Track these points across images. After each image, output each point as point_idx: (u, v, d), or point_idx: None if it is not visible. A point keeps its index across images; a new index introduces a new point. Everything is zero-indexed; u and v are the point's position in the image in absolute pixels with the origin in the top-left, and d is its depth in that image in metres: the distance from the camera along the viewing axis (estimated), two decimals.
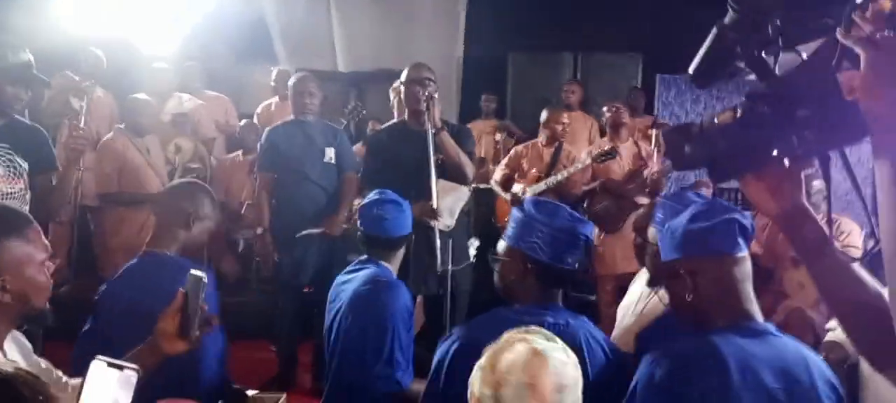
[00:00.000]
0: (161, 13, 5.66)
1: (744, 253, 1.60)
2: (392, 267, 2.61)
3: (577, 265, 1.93)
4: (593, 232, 2.04)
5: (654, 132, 5.61)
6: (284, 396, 2.82)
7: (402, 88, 3.38)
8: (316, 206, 3.89)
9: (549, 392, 1.35)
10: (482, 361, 1.43)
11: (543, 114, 4.91)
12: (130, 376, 1.27)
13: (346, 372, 2.44)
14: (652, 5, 6.49)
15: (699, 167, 1.47)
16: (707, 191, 4.30)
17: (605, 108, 4.96)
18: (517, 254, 1.95)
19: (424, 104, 3.13)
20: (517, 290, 1.97)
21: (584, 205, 5.15)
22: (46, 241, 1.59)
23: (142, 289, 2.07)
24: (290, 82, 4.21)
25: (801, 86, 1.04)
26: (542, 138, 4.87)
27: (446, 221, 3.25)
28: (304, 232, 3.80)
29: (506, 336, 1.46)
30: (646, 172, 4.68)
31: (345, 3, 7.16)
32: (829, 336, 2.58)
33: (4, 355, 1.52)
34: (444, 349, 1.93)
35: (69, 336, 2.12)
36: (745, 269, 1.60)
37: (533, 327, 1.48)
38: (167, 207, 2.32)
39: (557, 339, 1.45)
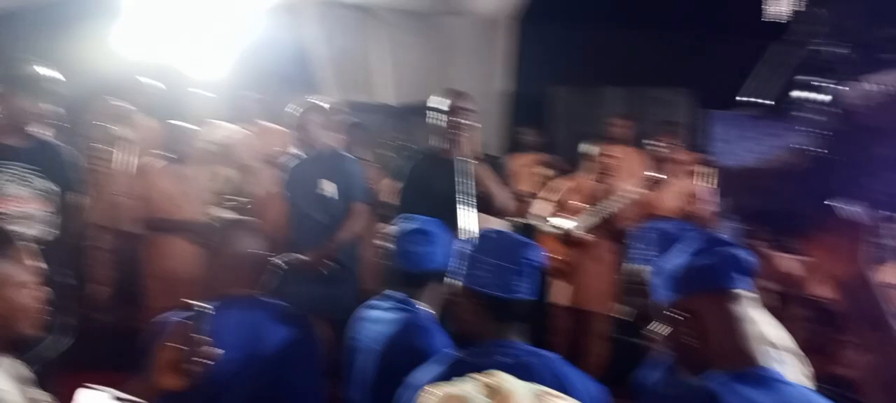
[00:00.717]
0: (209, 42, 5.75)
1: (743, 291, 1.52)
2: (425, 305, 2.39)
3: (527, 294, 1.81)
4: (542, 255, 1.89)
5: (703, 169, 5.43)
6: None
7: (438, 117, 3.30)
8: (311, 241, 3.78)
9: None
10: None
11: (591, 148, 4.79)
12: None
13: None
14: (702, 39, 6.34)
15: (759, 220, 1.36)
16: None
17: (652, 143, 4.81)
18: (467, 293, 1.84)
19: (461, 133, 3.04)
20: (474, 330, 1.85)
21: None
22: (35, 264, 1.52)
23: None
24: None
25: (881, 120, 0.88)
26: (588, 172, 4.74)
27: None
28: (284, 259, 3.74)
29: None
30: (696, 211, 4.50)
31: (388, 36, 7.18)
32: None
33: None
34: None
35: (113, 365, 2.09)
36: (745, 309, 1.51)
37: (496, 374, 1.28)
38: (243, 246, 2.26)
39: (501, 378, 1.24)
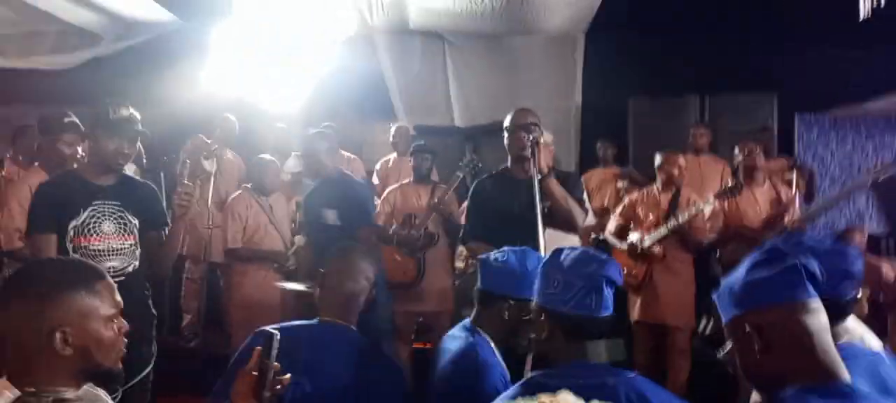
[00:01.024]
0: (284, 76, 5.94)
1: (816, 302, 1.41)
2: (488, 335, 2.26)
3: (603, 312, 1.74)
4: (619, 271, 1.79)
5: (793, 175, 5.17)
6: None
7: (506, 135, 3.26)
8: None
9: None
10: None
11: (658, 158, 4.63)
12: None
13: None
14: (785, 40, 6.05)
15: None
16: (860, 239, 3.84)
17: (736, 149, 4.62)
18: (540, 311, 1.79)
19: (529, 150, 2.99)
20: (547, 350, 1.79)
21: (717, 255, 4.78)
22: (118, 298, 1.56)
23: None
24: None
25: None
26: (657, 183, 4.59)
27: None
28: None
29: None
30: (786, 219, 4.29)
31: (460, 58, 7.22)
32: None
33: None
34: None
35: (199, 389, 2.15)
36: (820, 320, 1.40)
37: (561, 393, 1.25)
38: (350, 274, 2.30)
39: (564, 397, 1.22)
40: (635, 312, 4.41)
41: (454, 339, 2.34)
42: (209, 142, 5.49)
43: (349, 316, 2.26)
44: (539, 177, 2.96)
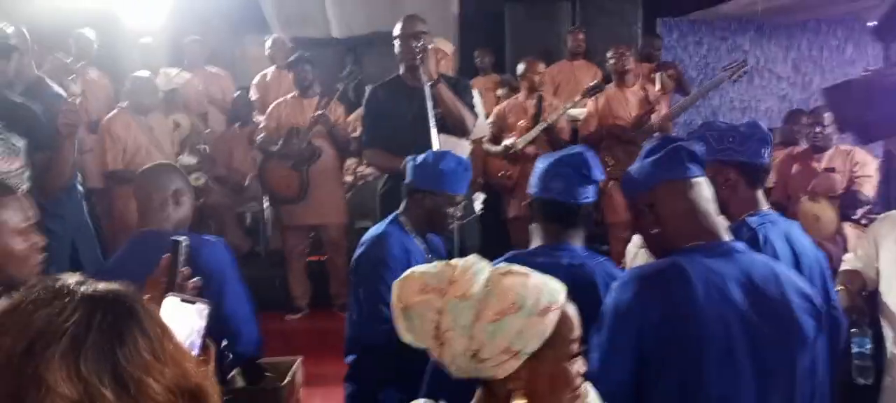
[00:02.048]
0: None
1: (698, 177, 1.64)
2: (411, 222, 2.51)
3: (572, 199, 1.91)
4: (596, 162, 1.98)
5: (657, 75, 5.53)
6: (299, 360, 2.80)
7: (396, 43, 3.29)
8: None
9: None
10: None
11: (520, 67, 4.97)
12: (202, 309, 1.32)
13: None
14: None
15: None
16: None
17: (609, 53, 4.88)
18: (532, 200, 1.98)
19: (419, 57, 3.04)
20: (534, 234, 1.99)
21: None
22: (31, 212, 1.55)
23: (145, 264, 2.06)
24: None
25: None
26: (522, 91, 4.87)
27: None
28: None
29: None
30: (653, 117, 4.61)
31: None
32: (844, 266, 2.53)
33: None
34: None
35: None
36: (702, 192, 1.63)
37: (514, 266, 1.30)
38: (151, 188, 2.36)
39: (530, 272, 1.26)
40: (511, 210, 4.69)
41: (375, 228, 2.51)
42: (69, 61, 5.10)
43: (164, 223, 2.33)
44: (430, 83, 3.02)
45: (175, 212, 2.34)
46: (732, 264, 1.55)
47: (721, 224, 1.65)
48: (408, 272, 1.25)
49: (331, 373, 3.13)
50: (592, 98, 4.74)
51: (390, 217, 2.47)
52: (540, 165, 1.97)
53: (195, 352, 1.28)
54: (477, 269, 1.20)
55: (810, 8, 6.50)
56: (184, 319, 1.32)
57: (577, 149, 2.02)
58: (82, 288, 0.84)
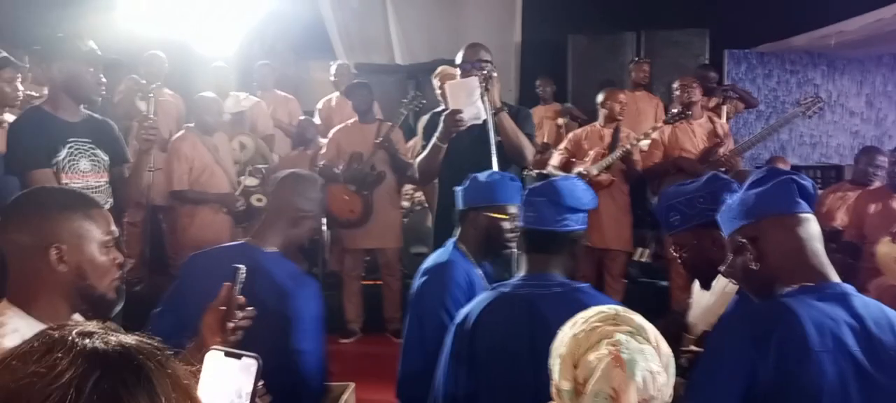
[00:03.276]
0: (221, 14, 5.76)
1: (807, 213, 1.54)
2: (468, 248, 2.43)
3: (547, 226, 1.89)
4: (576, 190, 1.95)
5: (725, 108, 5.40)
6: (352, 386, 2.80)
7: (458, 70, 3.29)
8: None
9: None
10: (563, 348, 1.31)
11: (600, 95, 4.85)
12: (250, 364, 1.18)
13: None
14: None
15: None
16: (783, 166, 4.09)
17: (675, 85, 4.78)
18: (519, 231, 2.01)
19: (483, 85, 3.03)
20: (519, 264, 2.00)
21: (652, 188, 5.01)
22: (114, 227, 1.58)
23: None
24: None
25: None
26: (600, 119, 4.79)
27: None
28: None
29: (589, 323, 1.33)
30: (720, 150, 4.49)
31: None
32: None
33: None
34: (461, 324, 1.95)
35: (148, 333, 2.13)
36: (811, 229, 1.53)
37: (623, 315, 1.32)
38: (277, 199, 2.29)
39: (650, 332, 1.31)
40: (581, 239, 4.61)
41: (438, 254, 2.47)
42: (144, 82, 5.29)
43: (274, 239, 2.24)
44: (492, 111, 3.01)
45: (290, 232, 2.26)
46: (845, 308, 1.45)
47: (830, 265, 1.54)
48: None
49: (382, 400, 3.11)
50: (660, 129, 4.65)
51: (450, 243, 2.43)
52: (524, 197, 1.98)
53: None
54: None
55: (885, 42, 6.26)
56: (227, 377, 1.18)
57: (556, 178, 2.00)
58: (85, 341, 0.73)
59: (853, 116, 6.95)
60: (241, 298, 1.60)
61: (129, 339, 0.75)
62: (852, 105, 6.93)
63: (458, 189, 2.43)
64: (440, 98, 3.85)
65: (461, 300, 2.19)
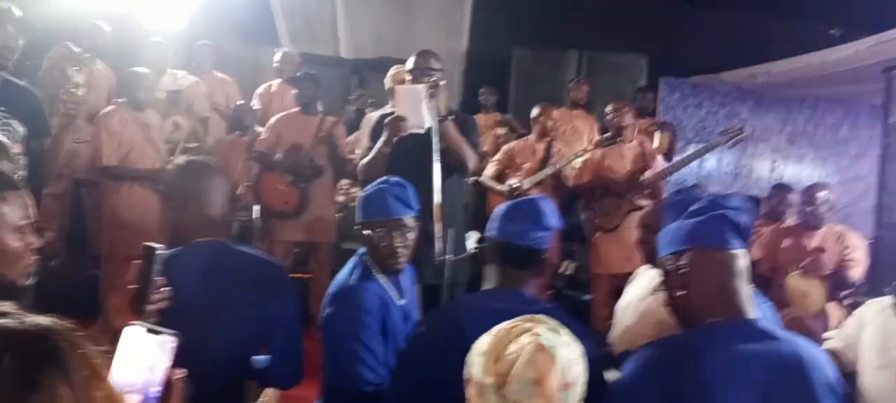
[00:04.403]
0: None
1: (737, 250, 1.59)
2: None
3: (520, 241, 1.93)
4: (553, 210, 2.02)
5: (657, 134, 5.59)
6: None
7: (407, 76, 3.31)
8: None
9: (554, 390, 1.31)
10: (484, 347, 1.38)
11: (535, 110, 5.03)
12: (167, 341, 1.21)
13: None
14: (659, 7, 6.46)
15: None
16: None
17: (608, 108, 4.94)
18: (487, 242, 2.03)
19: (429, 93, 3.06)
20: (488, 276, 2.01)
21: (583, 204, 5.16)
22: (30, 209, 1.48)
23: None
24: None
25: None
26: (533, 134, 4.91)
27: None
28: None
29: (509, 323, 1.42)
30: (646, 174, 4.66)
31: None
32: (827, 345, 2.56)
33: None
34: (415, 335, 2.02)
35: (59, 309, 2.05)
36: (738, 266, 1.59)
37: (538, 315, 1.43)
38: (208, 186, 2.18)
39: (563, 330, 1.41)
40: None
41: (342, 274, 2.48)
42: (78, 50, 5.09)
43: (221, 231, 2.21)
44: (438, 119, 3.05)
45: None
46: (758, 343, 1.51)
47: (750, 302, 1.60)
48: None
49: (306, 397, 3.09)
50: (591, 150, 4.79)
51: (354, 259, 2.43)
52: (498, 209, 2.00)
53: (152, 392, 1.17)
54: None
55: (809, 85, 6.62)
56: (144, 353, 1.20)
57: (535, 196, 2.08)
58: (1, 321, 0.74)
59: (775, 153, 7.31)
60: (160, 279, 1.58)
61: (44, 320, 0.76)
62: (774, 141, 7.29)
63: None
64: (390, 99, 3.86)
65: (371, 324, 2.21)
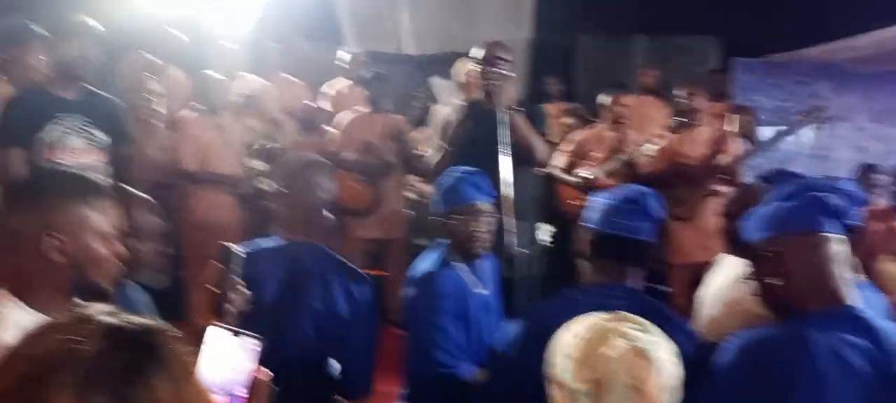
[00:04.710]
0: None
1: (835, 234, 1.51)
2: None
3: (635, 235, 1.85)
4: (659, 200, 1.94)
5: (737, 117, 5.40)
6: None
7: (477, 67, 3.31)
8: None
9: (655, 396, 1.26)
10: (573, 352, 1.33)
11: (605, 97, 4.87)
12: (250, 343, 1.22)
13: None
14: None
15: None
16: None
17: (679, 92, 4.79)
18: (591, 236, 1.93)
19: (496, 84, 3.05)
20: (587, 269, 1.95)
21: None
22: (119, 220, 1.49)
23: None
24: None
25: None
26: (604, 122, 4.78)
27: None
28: None
29: (592, 322, 1.37)
30: (721, 158, 4.50)
31: None
32: None
33: None
34: (512, 332, 1.92)
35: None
36: (837, 251, 1.51)
37: (624, 314, 1.38)
38: (294, 190, 2.27)
39: (652, 328, 1.36)
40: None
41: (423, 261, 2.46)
42: (152, 58, 5.28)
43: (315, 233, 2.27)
44: (506, 110, 3.03)
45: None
46: (861, 333, 1.44)
47: (852, 288, 1.52)
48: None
49: (388, 392, 3.13)
50: (664, 136, 4.66)
51: (439, 249, 2.45)
52: (601, 200, 1.92)
53: (237, 393, 1.18)
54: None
55: (893, 59, 6.28)
56: (228, 354, 1.22)
57: (639, 186, 2.00)
58: (107, 319, 0.80)
59: (859, 132, 6.96)
60: (238, 281, 1.59)
61: (145, 320, 0.82)
62: (859, 120, 6.94)
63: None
64: (460, 89, 3.85)
65: (449, 311, 2.20)
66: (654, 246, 1.91)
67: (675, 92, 4.79)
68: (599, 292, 1.85)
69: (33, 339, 0.78)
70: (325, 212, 2.26)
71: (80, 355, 0.74)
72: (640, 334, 1.30)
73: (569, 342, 1.35)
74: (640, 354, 1.26)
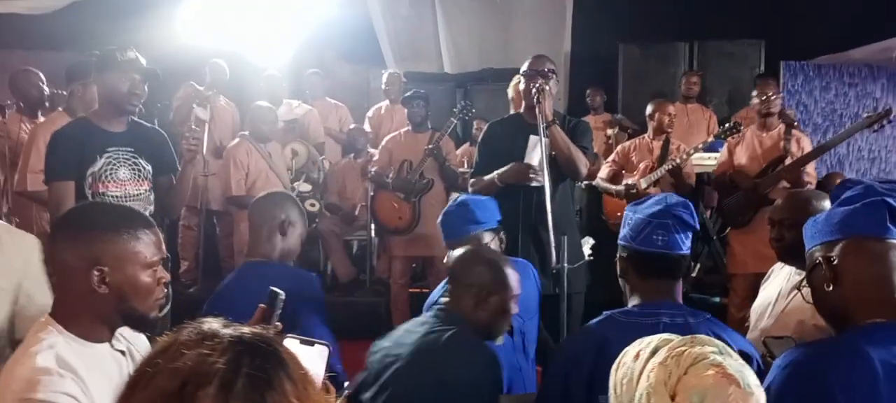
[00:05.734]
0: (275, 25, 5.89)
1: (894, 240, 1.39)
2: None
3: (678, 250, 1.76)
4: (693, 213, 1.83)
5: (790, 120, 5.25)
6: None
7: (521, 81, 3.31)
8: None
9: None
10: (653, 382, 1.15)
11: (649, 106, 4.78)
12: (323, 351, 1.30)
13: None
14: None
15: None
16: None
17: (754, 93, 4.58)
18: (621, 251, 1.85)
19: (535, 97, 3.04)
20: (628, 289, 1.85)
21: (706, 200, 4.93)
22: (163, 249, 1.55)
23: (249, 293, 2.00)
24: None
25: None
26: (649, 131, 4.73)
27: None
28: None
29: (665, 345, 1.19)
30: (781, 166, 4.31)
31: (449, 5, 7.18)
32: None
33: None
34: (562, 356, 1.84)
35: None
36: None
37: (699, 336, 1.20)
38: (261, 217, 2.39)
39: (728, 348, 1.19)
40: None
41: None
42: (201, 89, 5.44)
43: (272, 252, 2.36)
44: (545, 124, 3.02)
45: (282, 243, 2.36)
46: None
47: None
48: None
49: None
50: (727, 141, 4.50)
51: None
52: (634, 215, 1.81)
53: None
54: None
55: None
56: (306, 362, 1.29)
57: (674, 197, 1.86)
58: (228, 332, 0.84)
59: None
60: (278, 325, 1.58)
61: (258, 329, 0.88)
62: None
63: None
64: (511, 104, 3.85)
65: None
66: (689, 258, 1.81)
67: (754, 93, 4.58)
68: (641, 312, 1.75)
69: (168, 356, 0.82)
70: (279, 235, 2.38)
71: (217, 367, 0.79)
72: (724, 358, 1.15)
73: (647, 368, 1.17)
74: (735, 381, 1.10)
